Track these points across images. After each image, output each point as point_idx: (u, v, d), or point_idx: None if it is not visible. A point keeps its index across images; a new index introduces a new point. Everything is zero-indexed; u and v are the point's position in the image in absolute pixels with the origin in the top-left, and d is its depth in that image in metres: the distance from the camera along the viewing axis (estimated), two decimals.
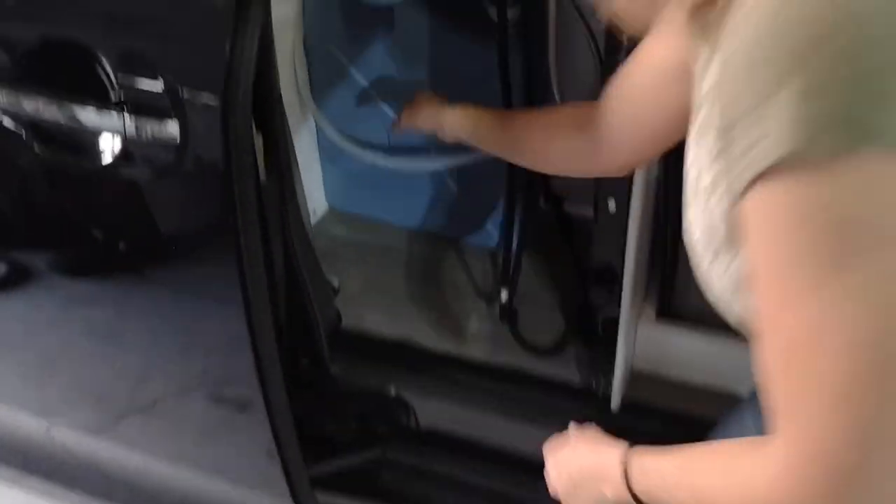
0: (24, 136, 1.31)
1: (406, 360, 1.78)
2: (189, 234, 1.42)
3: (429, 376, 1.73)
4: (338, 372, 1.70)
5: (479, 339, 1.83)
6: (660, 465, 0.76)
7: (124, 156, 1.25)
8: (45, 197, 1.47)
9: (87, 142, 1.26)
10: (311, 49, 1.88)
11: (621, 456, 0.83)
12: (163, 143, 1.19)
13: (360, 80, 1.88)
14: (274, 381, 1.41)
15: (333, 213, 2.18)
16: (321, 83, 1.93)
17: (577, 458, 0.93)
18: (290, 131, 1.54)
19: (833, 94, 0.49)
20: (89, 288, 1.59)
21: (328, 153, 2.06)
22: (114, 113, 1.19)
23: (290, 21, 1.81)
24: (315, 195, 2.13)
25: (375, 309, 1.89)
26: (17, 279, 1.60)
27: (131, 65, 1.19)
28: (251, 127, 1.15)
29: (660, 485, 0.76)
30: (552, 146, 1.19)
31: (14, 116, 1.30)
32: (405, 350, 1.81)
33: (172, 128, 1.17)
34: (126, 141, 1.23)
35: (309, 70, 1.91)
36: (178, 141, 1.17)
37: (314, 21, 1.84)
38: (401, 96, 1.57)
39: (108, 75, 1.20)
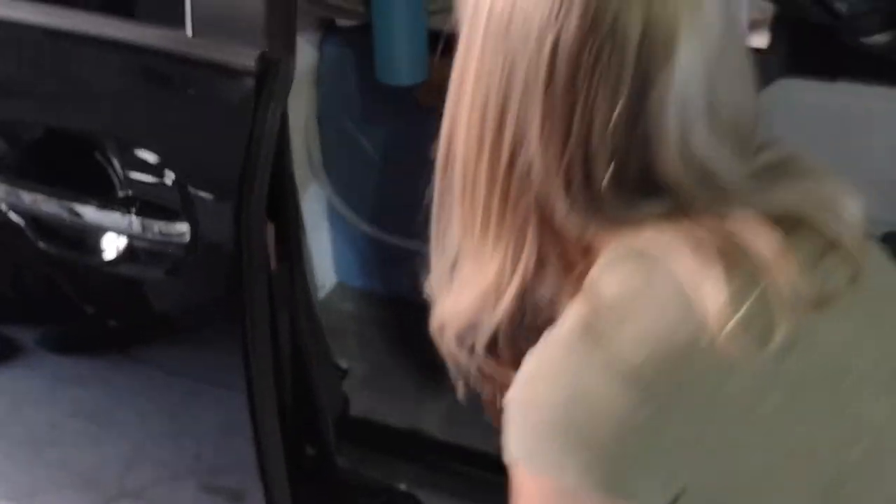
0: (25, 230, 1.31)
1: (417, 452, 1.75)
2: (182, 315, 1.43)
3: (441, 470, 1.71)
4: (344, 463, 1.68)
5: (497, 430, 1.81)
6: None
7: (130, 253, 1.26)
8: (41, 279, 1.49)
9: (91, 238, 1.27)
10: (323, 121, 1.91)
11: None
12: (170, 242, 1.20)
13: (374, 154, 1.91)
14: (275, 472, 1.39)
15: (342, 287, 2.19)
16: (333, 155, 1.96)
17: None
18: (301, 214, 1.57)
19: (529, 434, 0.71)
20: (78, 366, 1.59)
21: (338, 226, 2.08)
22: (121, 212, 1.21)
23: (303, 92, 1.85)
24: (323, 269, 2.13)
25: (385, 394, 1.88)
26: (4, 354, 1.60)
27: (140, 162, 1.21)
28: (265, 225, 1.17)
29: None
30: None
31: (17, 210, 1.31)
32: (416, 440, 1.79)
33: (181, 227, 1.18)
34: (132, 239, 1.24)
35: (321, 142, 1.94)
36: (188, 240, 1.19)
37: (329, 93, 1.88)
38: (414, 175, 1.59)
39: (116, 172, 1.22)
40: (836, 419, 0.74)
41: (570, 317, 0.72)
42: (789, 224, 0.72)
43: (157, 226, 1.19)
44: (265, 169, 1.14)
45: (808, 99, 1.51)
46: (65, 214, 1.25)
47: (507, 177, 0.73)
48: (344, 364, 1.91)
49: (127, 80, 1.25)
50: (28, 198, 1.27)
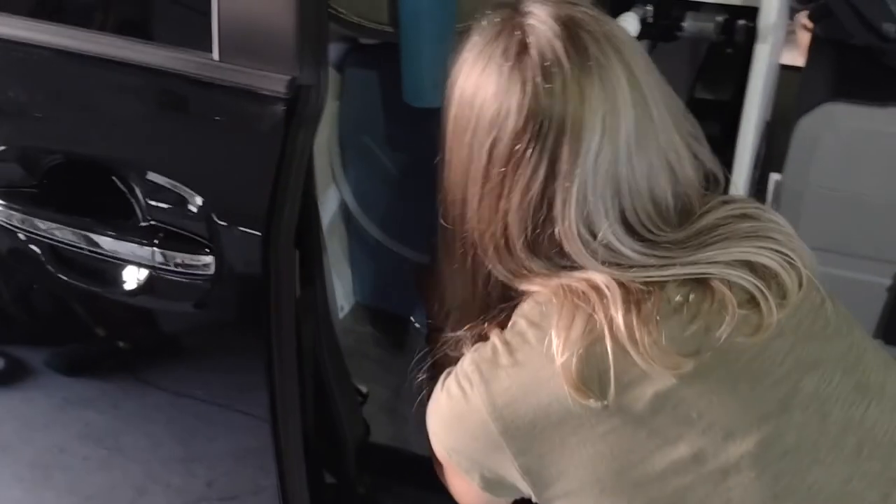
0: (42, 259, 1.31)
1: (440, 482, 1.74)
2: (199, 341, 1.42)
3: None
4: (365, 492, 1.68)
5: None
6: None
7: (151, 284, 1.26)
8: (55, 303, 1.48)
9: (112, 268, 1.27)
10: (344, 140, 1.92)
11: None
12: (195, 274, 1.20)
13: (396, 173, 1.92)
14: (298, 501, 1.39)
15: (363, 308, 2.19)
16: (354, 174, 1.96)
17: None
18: (324, 238, 1.57)
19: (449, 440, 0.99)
20: (88, 389, 1.58)
21: (358, 246, 2.09)
22: (143, 243, 1.20)
23: (325, 111, 1.86)
24: (343, 290, 2.14)
25: (407, 419, 1.86)
26: (14, 375, 1.60)
27: (164, 191, 1.20)
28: (294, 254, 1.16)
29: None
30: None
31: (35, 239, 1.30)
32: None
33: (205, 258, 1.17)
34: (155, 271, 1.24)
35: (342, 161, 1.94)
36: (212, 272, 1.18)
37: (350, 112, 1.88)
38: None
39: (138, 202, 1.21)
40: (663, 449, 0.89)
41: (489, 342, 0.95)
42: (697, 283, 0.90)
43: (181, 257, 1.19)
44: (295, 197, 1.13)
45: (854, 124, 1.50)
46: (84, 244, 1.25)
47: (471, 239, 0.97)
48: (364, 388, 1.92)
49: (151, 105, 1.24)
50: (46, 227, 1.26)
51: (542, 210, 0.89)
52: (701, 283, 0.89)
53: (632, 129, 0.88)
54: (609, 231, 0.89)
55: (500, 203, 0.91)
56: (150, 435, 1.53)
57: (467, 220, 0.96)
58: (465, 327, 1.00)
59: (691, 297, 0.89)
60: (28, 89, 1.29)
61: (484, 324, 0.98)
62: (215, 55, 1.15)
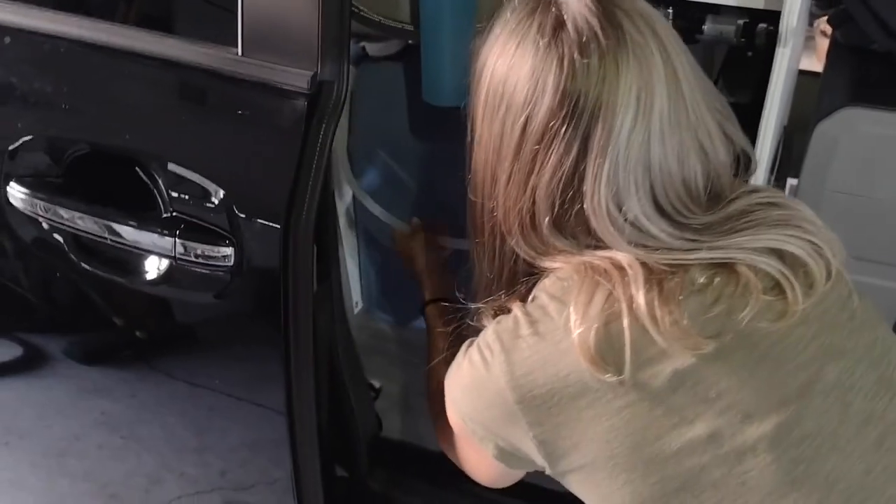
0: (65, 247, 1.34)
1: (454, 477, 1.74)
2: (216, 332, 1.45)
3: (481, 498, 1.68)
4: (377, 487, 1.69)
5: None
6: None
7: (171, 275, 1.28)
8: (74, 292, 1.51)
9: (132, 258, 1.30)
10: (356, 140, 1.93)
11: None
12: (215, 265, 1.22)
13: (406, 175, 1.93)
14: (312, 494, 1.41)
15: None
16: (365, 173, 1.97)
17: None
18: (340, 234, 1.58)
19: (471, 409, 1.00)
20: (104, 378, 1.61)
21: (369, 249, 2.10)
22: (164, 234, 1.23)
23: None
24: (356, 286, 2.15)
25: (420, 414, 1.87)
26: (32, 363, 1.63)
27: (186, 183, 1.22)
28: (312, 249, 1.18)
29: None
30: None
31: (58, 228, 1.33)
32: (451, 464, 1.78)
33: (225, 251, 1.20)
34: (175, 261, 1.26)
35: (353, 159, 1.95)
36: (232, 263, 1.21)
37: (365, 110, 1.89)
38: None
39: (160, 193, 1.23)
40: (678, 429, 0.89)
41: (511, 314, 0.96)
42: (722, 267, 0.90)
43: (202, 248, 1.21)
44: (315, 192, 1.15)
45: (872, 129, 1.51)
46: (106, 234, 1.27)
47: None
48: (377, 383, 1.94)
49: (175, 98, 1.26)
50: (69, 216, 1.29)
51: (572, 186, 0.90)
52: (726, 268, 0.90)
53: (665, 107, 0.89)
54: (638, 209, 0.89)
55: (531, 180, 0.91)
56: (165, 425, 1.55)
57: (494, 198, 0.96)
58: (487, 300, 1.02)
59: (716, 280, 0.90)
60: (55, 81, 1.31)
61: (504, 297, 1.00)
62: (239, 51, 1.17)
